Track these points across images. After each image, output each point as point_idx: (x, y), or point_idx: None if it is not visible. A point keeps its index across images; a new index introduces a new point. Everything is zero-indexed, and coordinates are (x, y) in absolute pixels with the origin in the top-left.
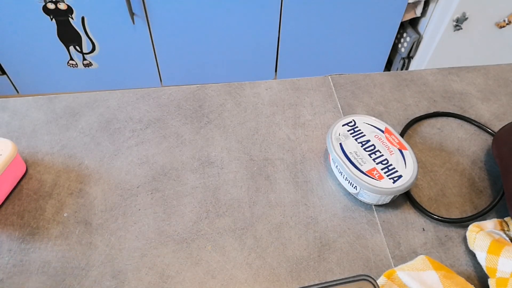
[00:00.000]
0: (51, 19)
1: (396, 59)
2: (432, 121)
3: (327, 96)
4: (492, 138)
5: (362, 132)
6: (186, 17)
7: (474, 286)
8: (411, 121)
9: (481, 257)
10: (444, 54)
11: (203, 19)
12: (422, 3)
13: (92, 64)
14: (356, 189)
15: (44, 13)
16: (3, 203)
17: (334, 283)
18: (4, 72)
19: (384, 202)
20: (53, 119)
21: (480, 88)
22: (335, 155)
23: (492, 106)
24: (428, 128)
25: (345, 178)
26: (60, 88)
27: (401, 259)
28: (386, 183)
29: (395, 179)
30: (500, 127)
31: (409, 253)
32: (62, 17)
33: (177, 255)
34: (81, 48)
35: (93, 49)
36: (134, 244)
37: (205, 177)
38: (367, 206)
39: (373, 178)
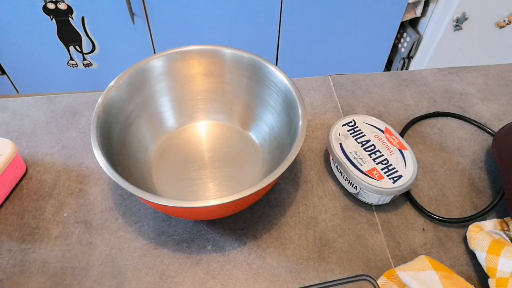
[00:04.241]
0: (51, 19)
1: (396, 59)
2: (432, 121)
3: (327, 96)
4: (492, 138)
5: (362, 132)
6: (186, 17)
7: (474, 286)
8: (411, 121)
9: (481, 257)
10: (444, 54)
11: (203, 19)
12: (422, 3)
13: (92, 64)
14: (356, 189)
15: (44, 13)
16: (3, 203)
17: (334, 283)
18: (4, 72)
19: (384, 202)
20: (53, 119)
21: (480, 88)
22: (335, 155)
23: (492, 106)
24: (428, 128)
25: (345, 178)
26: (60, 88)
27: (401, 259)
28: (386, 183)
29: (395, 179)
30: (500, 127)
31: (409, 253)
32: (62, 17)
33: (177, 255)
34: (81, 48)
35: (93, 49)
36: (134, 244)
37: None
38: (367, 206)
39: (373, 178)
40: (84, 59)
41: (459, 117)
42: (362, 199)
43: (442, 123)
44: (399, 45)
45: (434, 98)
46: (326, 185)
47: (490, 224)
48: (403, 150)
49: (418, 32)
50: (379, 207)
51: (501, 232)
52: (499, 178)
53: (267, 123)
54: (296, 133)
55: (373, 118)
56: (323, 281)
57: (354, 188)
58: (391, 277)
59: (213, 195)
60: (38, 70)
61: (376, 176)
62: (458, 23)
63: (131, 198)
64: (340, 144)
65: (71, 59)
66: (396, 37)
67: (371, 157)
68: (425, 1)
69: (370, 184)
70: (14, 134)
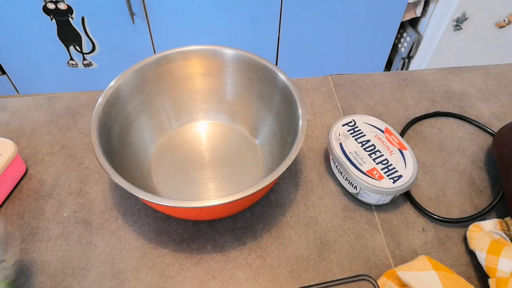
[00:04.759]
0: (51, 19)
1: (396, 59)
2: (432, 121)
3: (327, 96)
4: (492, 138)
5: (362, 132)
6: (186, 17)
7: (474, 286)
8: (411, 121)
9: (481, 257)
10: (444, 54)
11: (203, 19)
12: (422, 3)
13: (92, 64)
14: (356, 189)
15: (44, 13)
16: (3, 203)
17: (334, 283)
18: (4, 72)
19: (384, 202)
20: (53, 119)
21: (480, 88)
22: (335, 155)
23: (492, 106)
24: (428, 128)
25: (345, 178)
26: (60, 88)
27: (401, 259)
28: (386, 183)
29: (395, 179)
30: (500, 127)
31: (409, 253)
32: (62, 17)
33: (177, 255)
34: (81, 48)
35: (93, 49)
36: (134, 244)
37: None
38: (367, 206)
39: (373, 178)
40: (84, 59)
41: (459, 117)
42: (362, 199)
43: (442, 123)
44: (399, 45)
45: (434, 98)
46: (326, 185)
47: (490, 224)
48: (403, 150)
49: (418, 32)
50: (379, 207)
51: (501, 232)
52: (499, 178)
53: (267, 123)
54: (296, 133)
55: (373, 118)
56: (323, 281)
57: (354, 188)
58: (391, 277)
59: (213, 195)
60: (38, 70)
61: (376, 176)
62: (458, 23)
63: (131, 198)
64: (340, 144)
65: (71, 59)
66: (396, 37)
67: (371, 157)
68: (425, 1)
69: (370, 184)
70: (14, 134)
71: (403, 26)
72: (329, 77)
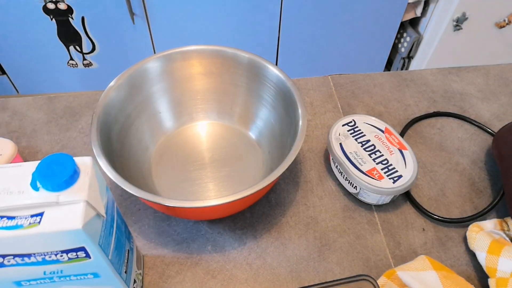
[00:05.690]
0: (51, 19)
1: (396, 59)
2: (432, 121)
3: (327, 96)
4: (492, 138)
5: (362, 132)
6: (186, 17)
7: (474, 286)
8: (411, 121)
9: (481, 257)
10: (444, 54)
11: (203, 19)
12: (422, 3)
13: (92, 64)
14: (356, 189)
15: (44, 13)
16: None
17: (334, 283)
18: (4, 72)
19: (384, 202)
20: (53, 119)
21: (480, 88)
22: (335, 155)
23: (492, 106)
24: (428, 128)
25: (345, 178)
26: (60, 88)
27: (401, 259)
28: (386, 183)
29: (395, 179)
30: (500, 127)
31: (409, 253)
32: (62, 17)
33: (177, 255)
34: (81, 48)
35: (93, 49)
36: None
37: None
38: (367, 206)
39: (373, 178)
40: (84, 59)
41: (459, 117)
42: (362, 199)
43: (442, 123)
44: (399, 45)
45: (434, 98)
46: (326, 185)
47: (490, 224)
48: (403, 150)
49: (418, 32)
50: (379, 207)
51: (501, 232)
52: (499, 178)
53: (267, 123)
54: (296, 133)
55: (373, 118)
56: (323, 281)
57: (354, 188)
58: (391, 277)
59: (213, 195)
60: (38, 70)
61: (376, 176)
62: (458, 23)
63: (131, 198)
64: (340, 144)
65: (71, 59)
66: (396, 37)
67: (371, 157)
68: (425, 1)
69: (370, 184)
70: (14, 134)
71: (403, 26)
72: (329, 77)
